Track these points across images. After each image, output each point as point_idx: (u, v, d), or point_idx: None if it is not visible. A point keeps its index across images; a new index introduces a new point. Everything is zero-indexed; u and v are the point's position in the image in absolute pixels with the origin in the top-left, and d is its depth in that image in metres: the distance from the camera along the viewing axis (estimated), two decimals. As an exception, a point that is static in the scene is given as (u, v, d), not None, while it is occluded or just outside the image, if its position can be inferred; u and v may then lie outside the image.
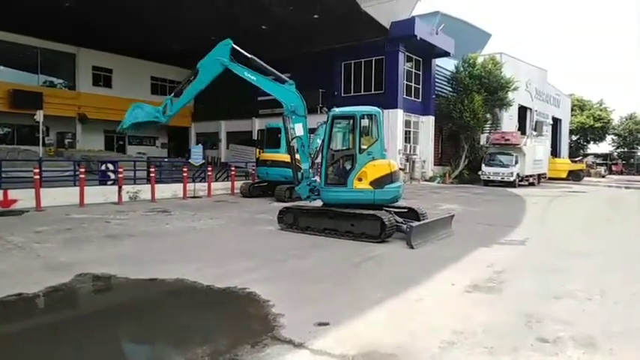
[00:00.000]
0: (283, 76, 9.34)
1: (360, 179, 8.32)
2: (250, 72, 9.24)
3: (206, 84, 9.47)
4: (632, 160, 58.03)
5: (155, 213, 11.35)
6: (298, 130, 9.05)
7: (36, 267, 5.98)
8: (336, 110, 8.82)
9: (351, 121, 8.52)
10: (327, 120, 8.63)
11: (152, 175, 14.49)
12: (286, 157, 15.22)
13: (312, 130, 10.11)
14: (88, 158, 19.55)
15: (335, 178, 8.64)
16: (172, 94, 9.89)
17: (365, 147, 8.40)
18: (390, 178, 8.34)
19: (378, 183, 8.28)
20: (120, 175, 13.49)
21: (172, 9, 21.73)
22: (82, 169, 12.62)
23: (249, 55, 9.14)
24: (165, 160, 25.37)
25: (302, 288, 5.31)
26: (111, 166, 14.51)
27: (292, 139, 9.19)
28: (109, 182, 14.16)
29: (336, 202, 8.57)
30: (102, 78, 31.07)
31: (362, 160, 8.33)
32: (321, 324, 4.07)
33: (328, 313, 4.37)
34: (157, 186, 14.56)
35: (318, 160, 9.25)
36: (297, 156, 9.34)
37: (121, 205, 12.79)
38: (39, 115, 20.00)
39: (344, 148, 8.86)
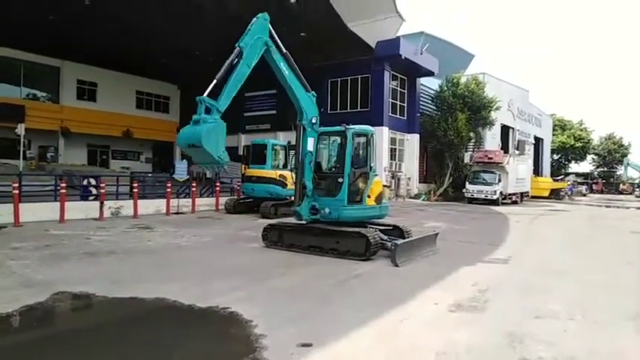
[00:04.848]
0: (307, 85, 8.60)
1: (369, 196, 8.57)
2: (286, 65, 8.16)
3: (251, 68, 7.65)
4: (611, 179, 59.31)
5: (137, 229, 11.16)
6: (310, 145, 8.58)
7: (11, 285, 5.79)
8: (355, 127, 8.59)
9: (365, 139, 8.75)
10: (347, 136, 8.39)
11: (135, 190, 14.28)
12: (272, 174, 15.35)
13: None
14: (70, 173, 19.22)
15: (355, 196, 8.52)
16: (209, 89, 7.25)
17: (373, 164, 8.73)
18: (383, 193, 9.00)
19: (379, 199, 8.75)
20: (102, 191, 13.26)
21: (159, 24, 21.75)
22: (63, 184, 12.37)
23: (284, 50, 8.08)
24: (149, 175, 25.06)
25: (285, 307, 5.24)
26: (93, 181, 14.27)
27: (303, 154, 8.47)
28: (91, 197, 13.90)
29: (354, 220, 8.50)
30: (86, 92, 30.76)
31: (371, 177, 8.62)
32: (304, 345, 4.01)
33: (311, 333, 4.32)
34: (140, 202, 14.33)
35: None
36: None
37: (103, 221, 12.55)
38: (20, 129, 19.63)
39: (361, 166, 8.66)
